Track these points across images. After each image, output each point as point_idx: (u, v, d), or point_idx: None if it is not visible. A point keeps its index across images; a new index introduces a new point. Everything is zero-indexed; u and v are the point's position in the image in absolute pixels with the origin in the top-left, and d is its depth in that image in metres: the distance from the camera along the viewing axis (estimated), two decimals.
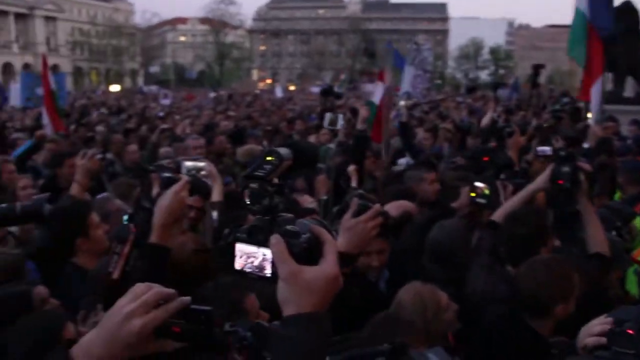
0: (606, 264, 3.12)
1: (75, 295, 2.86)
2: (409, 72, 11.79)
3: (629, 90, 16.64)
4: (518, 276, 2.80)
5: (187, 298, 1.28)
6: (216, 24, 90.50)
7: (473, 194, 3.98)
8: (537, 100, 14.62)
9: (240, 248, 1.30)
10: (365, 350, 1.75)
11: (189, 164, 3.65)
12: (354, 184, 4.99)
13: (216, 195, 4.01)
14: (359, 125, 6.09)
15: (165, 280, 1.49)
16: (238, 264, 1.31)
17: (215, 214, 3.95)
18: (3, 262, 2.89)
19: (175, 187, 2.28)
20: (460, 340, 3.01)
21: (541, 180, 3.44)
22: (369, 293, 3.08)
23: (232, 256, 1.31)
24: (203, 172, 3.68)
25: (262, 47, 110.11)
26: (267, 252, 1.26)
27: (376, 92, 8.91)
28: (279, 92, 38.74)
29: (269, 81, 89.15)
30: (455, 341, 2.80)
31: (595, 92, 5.82)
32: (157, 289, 1.27)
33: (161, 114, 15.63)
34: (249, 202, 1.33)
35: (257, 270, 1.28)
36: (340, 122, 4.96)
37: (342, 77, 52.22)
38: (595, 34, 5.85)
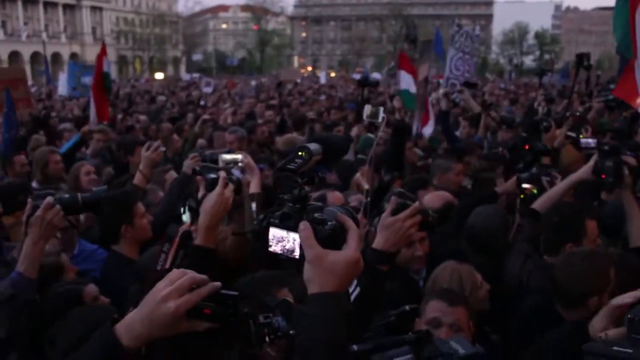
0: None
1: (119, 285, 2.96)
2: (449, 55, 11.55)
3: None
4: (555, 267, 2.80)
5: (218, 283, 1.40)
6: (257, 11, 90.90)
7: (522, 196, 3.99)
8: (585, 87, 14.24)
9: (273, 232, 1.44)
10: (391, 338, 1.80)
11: (226, 156, 3.74)
12: (365, 186, 5.00)
13: (254, 187, 4.05)
14: (397, 115, 6.07)
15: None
16: (271, 246, 1.45)
17: (254, 205, 4.01)
18: (46, 263, 3.01)
19: (218, 189, 2.35)
20: (495, 327, 3.03)
21: (584, 171, 3.42)
22: (410, 288, 3.13)
23: (265, 238, 1.45)
24: (240, 164, 3.76)
25: (303, 34, 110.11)
26: (296, 237, 1.39)
27: (408, 81, 8.80)
28: (323, 79, 38.76)
29: (309, 68, 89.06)
30: (476, 329, 2.84)
31: None
32: (190, 274, 1.40)
33: (203, 102, 15.78)
34: (281, 192, 1.47)
35: (287, 252, 1.42)
36: (382, 115, 4.95)
37: (392, 63, 51.69)
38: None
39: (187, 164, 3.99)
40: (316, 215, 1.40)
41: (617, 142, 6.47)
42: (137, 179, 4.52)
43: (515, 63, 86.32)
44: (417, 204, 2.10)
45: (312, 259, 1.35)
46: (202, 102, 15.77)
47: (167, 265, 2.33)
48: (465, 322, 2.44)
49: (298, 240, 1.39)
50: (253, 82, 31.70)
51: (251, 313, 1.45)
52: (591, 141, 4.58)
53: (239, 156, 3.89)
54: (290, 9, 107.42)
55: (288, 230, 1.41)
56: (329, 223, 1.38)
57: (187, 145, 7.80)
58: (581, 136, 5.57)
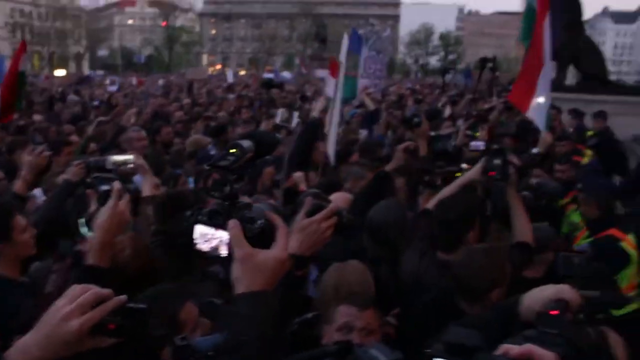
0: (528, 253, 3.33)
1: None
2: (364, 55, 11.70)
3: (570, 79, 17.18)
4: (455, 263, 2.89)
5: (124, 297, 1.35)
6: (165, 7, 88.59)
7: (458, 174, 4.21)
8: (489, 88, 14.92)
9: (200, 230, 1.41)
10: (312, 352, 1.77)
11: (116, 158, 3.55)
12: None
13: (147, 190, 3.86)
14: (315, 113, 6.00)
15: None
16: (197, 244, 1.42)
17: (149, 209, 3.84)
18: None
19: (111, 202, 2.15)
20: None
21: (474, 171, 3.62)
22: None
23: (191, 237, 1.42)
24: (130, 165, 3.59)
25: (213, 31, 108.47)
26: (224, 235, 1.37)
27: (329, 86, 8.84)
28: (230, 77, 38.29)
29: (218, 66, 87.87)
30: (396, 335, 2.87)
31: (542, 100, 5.65)
32: (94, 289, 1.34)
33: (96, 102, 14.85)
34: (210, 189, 1.44)
35: (213, 250, 1.40)
36: (295, 120, 4.91)
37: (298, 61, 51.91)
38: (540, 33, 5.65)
39: (71, 171, 3.72)
40: (245, 213, 1.39)
41: (516, 142, 6.82)
42: (18, 186, 4.09)
43: (421, 63, 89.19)
44: (334, 205, 2.01)
45: (241, 258, 1.34)
46: (96, 102, 14.87)
47: (57, 288, 2.17)
48: (375, 323, 2.45)
49: (226, 239, 1.37)
50: (160, 81, 30.78)
51: (165, 335, 1.41)
52: (480, 144, 4.82)
53: (130, 157, 3.71)
54: (199, 6, 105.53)
55: (216, 228, 1.39)
56: (259, 221, 1.38)
57: (77, 150, 7.33)
58: (476, 134, 5.78)
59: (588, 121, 11.42)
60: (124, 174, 3.33)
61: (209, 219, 1.40)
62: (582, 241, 4.44)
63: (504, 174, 3.38)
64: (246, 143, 1.44)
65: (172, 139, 7.98)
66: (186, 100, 15.30)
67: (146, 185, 3.87)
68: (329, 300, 2.63)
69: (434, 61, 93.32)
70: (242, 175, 1.47)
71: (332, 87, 8.30)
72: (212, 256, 1.40)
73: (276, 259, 1.37)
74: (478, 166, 3.55)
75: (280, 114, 4.93)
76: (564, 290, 1.71)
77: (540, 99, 5.65)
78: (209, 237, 1.40)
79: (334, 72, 8.79)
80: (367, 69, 11.06)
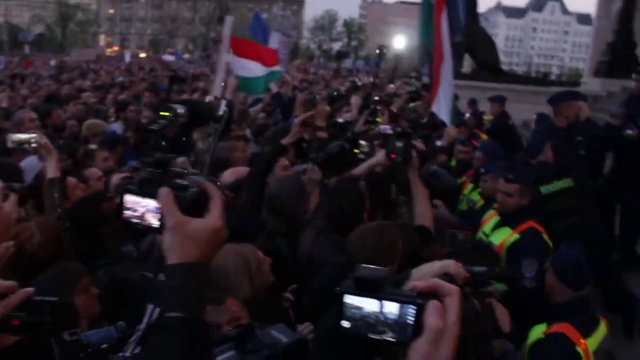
0: (428, 236, 3.36)
1: None
2: (274, 39, 11.60)
3: (466, 67, 17.98)
4: (350, 241, 2.91)
5: (30, 289, 1.26)
6: None
7: (357, 151, 4.30)
8: (392, 75, 15.25)
9: (130, 199, 1.32)
10: (212, 338, 1.74)
11: (18, 136, 3.34)
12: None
13: (52, 172, 3.66)
14: (228, 95, 5.88)
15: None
16: (126, 214, 1.33)
17: (55, 192, 3.65)
18: None
19: None
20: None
21: (380, 155, 3.66)
22: None
23: (120, 206, 1.33)
24: (33, 145, 3.39)
25: (110, 11, 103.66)
26: (152, 203, 1.29)
27: (243, 65, 8.66)
28: (127, 58, 37.05)
29: (116, 48, 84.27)
30: (295, 316, 2.89)
31: (444, 95, 5.90)
32: None
33: None
34: (142, 155, 1.34)
35: (143, 220, 1.32)
36: (223, 108, 4.80)
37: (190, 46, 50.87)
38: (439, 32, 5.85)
39: None
40: (178, 181, 1.30)
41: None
42: None
43: (325, 49, 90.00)
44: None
45: (173, 226, 1.24)
46: None
47: None
48: (240, 308, 2.42)
49: (153, 207, 1.29)
50: (52, 62, 29.07)
51: (53, 331, 1.29)
52: (387, 127, 4.94)
53: (33, 135, 3.50)
54: None
55: (147, 197, 1.30)
56: (191, 189, 1.29)
57: None
58: (378, 119, 5.92)
59: (482, 106, 12.04)
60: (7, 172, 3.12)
61: (139, 188, 1.31)
62: (492, 227, 4.41)
63: (406, 157, 3.41)
64: (180, 108, 1.37)
65: (64, 121, 7.56)
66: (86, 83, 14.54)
67: (51, 166, 3.65)
68: None
69: (337, 47, 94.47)
70: (178, 144, 1.38)
71: (237, 65, 8.20)
72: (142, 227, 1.31)
73: (210, 228, 1.27)
74: (383, 150, 3.60)
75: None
76: (450, 265, 1.76)
77: (443, 94, 5.88)
78: (137, 207, 1.31)
79: (239, 50, 8.65)
80: (281, 51, 11.06)
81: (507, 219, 4.29)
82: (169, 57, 40.21)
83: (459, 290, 0.95)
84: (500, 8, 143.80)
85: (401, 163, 3.45)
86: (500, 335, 2.47)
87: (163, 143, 1.31)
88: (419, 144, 3.67)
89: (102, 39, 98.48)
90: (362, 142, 4.43)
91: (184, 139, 1.38)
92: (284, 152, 3.98)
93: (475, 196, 5.60)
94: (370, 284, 0.94)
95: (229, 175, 4.01)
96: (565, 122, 6.08)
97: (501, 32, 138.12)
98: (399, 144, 3.42)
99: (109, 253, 3.18)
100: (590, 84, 18.93)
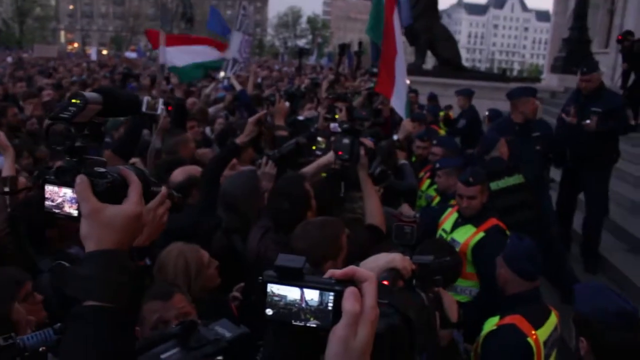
0: (377, 235, 3.33)
1: None
2: (237, 38, 11.57)
3: (428, 64, 18.18)
4: (293, 235, 2.90)
5: None
6: None
7: (314, 147, 4.28)
8: (354, 71, 15.29)
9: (49, 189, 1.29)
10: (154, 335, 1.74)
11: None
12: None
13: (7, 170, 3.56)
14: (155, 92, 5.84)
15: None
16: (46, 205, 1.30)
17: (7, 190, 3.56)
18: None
19: None
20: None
21: (329, 155, 3.61)
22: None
23: (42, 198, 1.29)
24: None
25: (71, 7, 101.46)
26: (69, 192, 1.26)
27: (176, 55, 8.63)
28: (93, 55, 36.44)
29: (76, 44, 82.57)
30: (238, 312, 2.91)
31: (399, 89, 6.02)
32: None
33: None
34: (52, 143, 1.30)
35: (62, 210, 1.28)
36: (161, 107, 4.68)
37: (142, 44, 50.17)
38: (392, 31, 5.94)
39: None
40: (96, 169, 1.27)
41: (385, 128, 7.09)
42: None
43: (289, 45, 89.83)
44: (164, 189, 1.91)
45: (88, 213, 1.21)
46: None
47: None
48: (187, 304, 2.42)
49: (70, 196, 1.26)
50: (9, 59, 28.34)
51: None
52: (338, 125, 4.85)
53: None
54: None
55: (64, 186, 1.27)
56: (109, 176, 1.26)
57: None
58: (336, 116, 5.96)
59: (444, 102, 12.22)
60: None
61: (56, 178, 1.28)
62: (452, 225, 4.39)
63: (352, 154, 3.33)
64: (91, 94, 1.30)
65: (19, 121, 7.39)
66: (46, 81, 14.18)
67: (7, 164, 3.55)
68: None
69: (302, 44, 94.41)
70: (96, 132, 1.32)
71: (170, 56, 8.17)
72: (62, 217, 1.28)
73: (127, 214, 1.24)
74: (332, 151, 3.53)
75: (145, 102, 4.65)
76: (395, 259, 1.75)
77: (399, 88, 5.97)
78: (55, 197, 1.28)
79: (169, 41, 8.61)
80: (242, 53, 11.07)
81: (467, 217, 4.30)
82: (131, 54, 39.65)
83: (375, 276, 0.99)
84: (461, 5, 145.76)
85: (348, 160, 3.38)
86: (448, 325, 2.52)
87: (72, 130, 1.27)
88: (367, 141, 3.56)
89: (63, 36, 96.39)
90: (319, 139, 4.39)
91: (97, 127, 1.32)
92: (238, 152, 3.93)
93: (432, 192, 5.68)
94: (291, 272, 0.98)
95: (178, 174, 3.96)
96: (522, 117, 6.20)
97: (463, 29, 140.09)
98: (346, 141, 3.34)
99: (55, 256, 3.13)
100: (549, 80, 19.40)
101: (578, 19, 17.13)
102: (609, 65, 17.21)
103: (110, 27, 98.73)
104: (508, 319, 3.00)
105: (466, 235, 4.19)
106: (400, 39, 5.86)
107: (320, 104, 7.64)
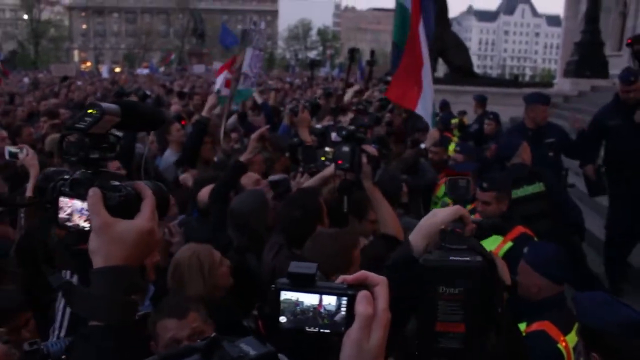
0: (394, 244, 3.08)
1: None
2: (248, 53, 11.72)
3: (440, 71, 18.18)
4: (305, 247, 2.86)
5: None
6: None
7: (323, 158, 4.16)
8: (367, 81, 15.34)
9: (63, 201, 1.25)
10: (178, 349, 1.74)
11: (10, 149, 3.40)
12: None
13: (29, 190, 3.66)
14: (205, 113, 5.87)
15: None
16: (61, 218, 1.26)
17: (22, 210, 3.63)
18: None
19: None
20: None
21: (330, 167, 3.47)
22: None
23: (56, 209, 1.26)
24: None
25: (84, 26, 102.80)
26: (78, 204, 1.23)
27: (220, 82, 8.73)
28: (105, 73, 36.80)
29: (89, 63, 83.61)
30: (265, 329, 2.89)
31: (426, 98, 5.99)
32: None
33: None
34: (65, 154, 1.27)
35: (72, 222, 1.25)
36: None
37: (172, 57, 50.54)
38: (417, 37, 5.88)
39: None
40: (111, 182, 1.23)
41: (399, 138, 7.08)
42: None
43: (300, 58, 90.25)
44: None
45: (98, 227, 1.17)
46: None
47: None
48: (202, 322, 2.41)
49: (79, 207, 1.22)
50: (26, 79, 28.74)
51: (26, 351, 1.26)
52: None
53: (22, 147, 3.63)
54: None
55: (77, 198, 1.22)
56: (123, 190, 1.22)
57: None
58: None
59: (455, 109, 12.20)
60: None
61: (70, 190, 1.24)
62: (491, 240, 4.10)
63: (353, 162, 3.11)
64: (108, 105, 1.26)
65: (34, 140, 7.47)
66: (54, 101, 14.37)
67: (31, 182, 3.67)
68: (156, 313, 2.55)
69: (312, 55, 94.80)
70: (112, 144, 1.28)
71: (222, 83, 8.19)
72: (74, 230, 1.24)
73: (138, 230, 1.19)
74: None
75: None
76: (461, 209, 1.59)
77: (426, 98, 5.95)
78: (67, 208, 1.24)
79: (227, 67, 8.67)
80: (253, 68, 11.16)
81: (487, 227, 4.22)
82: (144, 71, 40.03)
83: (386, 280, 1.00)
84: (471, 12, 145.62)
85: (348, 170, 3.16)
86: (504, 287, 2.43)
87: (86, 140, 1.23)
88: (370, 148, 3.37)
89: (76, 55, 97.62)
90: (327, 149, 4.24)
91: (113, 139, 1.28)
92: (243, 170, 3.90)
93: (448, 199, 5.62)
94: (304, 278, 0.98)
95: (206, 193, 3.99)
96: (533, 123, 6.16)
97: (474, 36, 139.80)
98: (345, 149, 3.13)
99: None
100: (562, 85, 19.27)
101: (590, 22, 17.02)
102: (623, 68, 17.07)
103: (122, 45, 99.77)
104: (537, 325, 2.95)
105: (493, 245, 4.06)
106: (426, 49, 5.85)
107: (342, 113, 7.67)
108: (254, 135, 4.03)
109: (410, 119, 7.70)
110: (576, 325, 3.00)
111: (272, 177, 4.27)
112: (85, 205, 1.21)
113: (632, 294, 5.46)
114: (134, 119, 1.32)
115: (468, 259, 1.21)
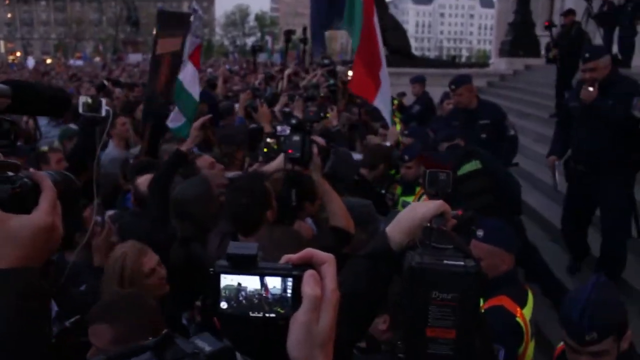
0: (344, 237, 3.08)
1: None
2: (192, 43, 11.45)
3: None
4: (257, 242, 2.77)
5: None
6: None
7: (265, 149, 4.06)
8: (301, 62, 15.27)
9: None
10: (130, 347, 1.66)
11: None
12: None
13: None
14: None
15: None
16: None
17: None
18: None
19: None
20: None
21: (279, 159, 3.35)
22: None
23: None
24: None
25: (9, 15, 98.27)
26: None
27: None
28: (30, 64, 35.43)
29: (18, 54, 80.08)
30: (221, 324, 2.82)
31: (385, 96, 5.98)
32: None
33: None
34: None
35: None
36: (105, 108, 4.17)
37: (101, 48, 49.09)
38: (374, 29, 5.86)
39: None
40: (9, 174, 1.09)
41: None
42: None
43: (238, 44, 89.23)
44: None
45: None
46: None
47: None
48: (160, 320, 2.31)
49: None
50: None
51: None
52: (285, 128, 4.61)
53: None
54: None
55: None
56: (17, 181, 1.07)
57: None
58: (328, 115, 5.88)
59: (396, 90, 12.30)
60: None
61: None
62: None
63: (304, 152, 3.04)
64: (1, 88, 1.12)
65: None
66: None
67: None
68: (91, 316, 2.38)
69: (251, 42, 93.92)
70: (4, 131, 1.14)
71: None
72: None
73: (35, 226, 1.06)
74: (282, 154, 3.28)
75: (82, 102, 4.12)
76: (444, 205, 1.52)
77: (383, 96, 5.96)
78: None
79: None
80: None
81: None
82: (77, 62, 38.73)
83: (334, 258, 0.94)
84: None
85: (299, 160, 3.08)
86: None
87: None
88: (320, 139, 3.32)
89: (2, 46, 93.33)
90: (269, 140, 4.13)
91: (4, 125, 1.13)
92: (183, 159, 3.74)
93: (409, 198, 5.49)
94: (245, 260, 0.91)
95: (145, 181, 3.81)
96: (463, 105, 6.17)
97: (411, 19, 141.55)
98: (296, 138, 3.05)
99: None
100: (497, 64, 19.77)
101: (521, 3, 17.51)
102: None
103: (52, 35, 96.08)
104: (494, 301, 2.95)
105: None
106: (382, 48, 5.86)
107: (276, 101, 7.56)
108: (195, 124, 3.89)
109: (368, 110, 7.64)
110: (529, 298, 3.08)
111: (227, 175, 4.13)
112: None
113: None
114: (29, 102, 1.18)
115: (463, 263, 1.18)
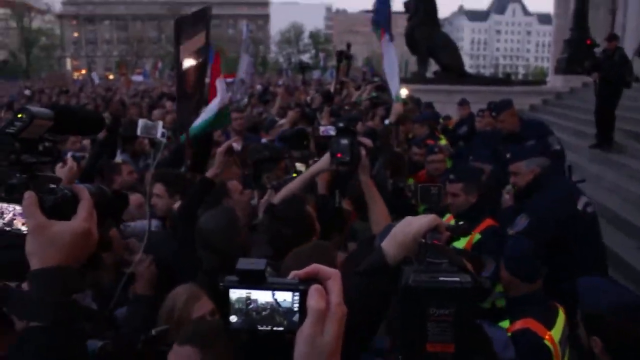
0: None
1: None
2: (244, 60, 11.78)
3: (430, 71, 18.22)
4: (284, 267, 2.61)
5: None
6: (18, 7, 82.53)
7: (295, 175, 3.94)
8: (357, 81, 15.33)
9: (3, 206, 1.24)
10: None
11: None
12: None
13: None
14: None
15: None
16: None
17: None
18: None
19: None
20: None
21: (323, 160, 3.18)
22: None
23: None
24: None
25: (75, 34, 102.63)
26: (18, 208, 1.22)
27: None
28: (95, 79, 36.92)
29: (83, 71, 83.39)
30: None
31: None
32: None
33: None
34: None
35: (12, 227, 1.23)
36: (160, 130, 4.19)
37: (159, 65, 50.38)
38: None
39: None
40: (48, 186, 1.23)
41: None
42: None
43: (293, 61, 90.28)
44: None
45: (33, 229, 1.18)
46: None
47: None
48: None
49: (19, 211, 1.21)
50: (27, 92, 28.45)
51: None
52: (330, 128, 4.33)
53: None
54: (58, 6, 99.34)
55: (13, 202, 1.21)
56: (59, 192, 1.23)
57: None
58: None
59: (450, 109, 12.21)
60: None
61: (6, 194, 1.23)
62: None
63: (353, 155, 2.93)
64: (39, 110, 1.25)
65: None
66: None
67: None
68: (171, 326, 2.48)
69: (306, 59, 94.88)
70: (47, 149, 1.28)
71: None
72: (13, 234, 1.22)
73: (74, 231, 1.20)
74: (326, 155, 3.10)
75: (141, 124, 4.14)
76: (437, 219, 1.53)
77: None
78: (5, 214, 1.22)
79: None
80: (247, 75, 11.34)
81: (463, 220, 4.11)
82: (138, 78, 40.00)
83: (339, 273, 0.97)
84: (462, 12, 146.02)
85: (349, 163, 2.96)
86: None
87: (15, 144, 1.22)
88: (366, 140, 3.15)
89: (69, 63, 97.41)
90: (298, 164, 4.01)
91: (46, 144, 1.28)
92: (210, 186, 3.66)
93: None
94: (253, 275, 0.95)
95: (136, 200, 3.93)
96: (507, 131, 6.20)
97: (466, 36, 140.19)
98: (345, 142, 2.94)
99: None
100: (554, 82, 19.33)
101: (578, 19, 17.13)
102: None
103: (114, 52, 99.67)
104: (520, 323, 2.90)
105: (462, 243, 3.94)
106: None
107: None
108: (220, 149, 3.73)
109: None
110: (558, 317, 3.01)
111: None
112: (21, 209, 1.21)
113: None
114: (69, 123, 1.34)
115: (459, 279, 1.20)
